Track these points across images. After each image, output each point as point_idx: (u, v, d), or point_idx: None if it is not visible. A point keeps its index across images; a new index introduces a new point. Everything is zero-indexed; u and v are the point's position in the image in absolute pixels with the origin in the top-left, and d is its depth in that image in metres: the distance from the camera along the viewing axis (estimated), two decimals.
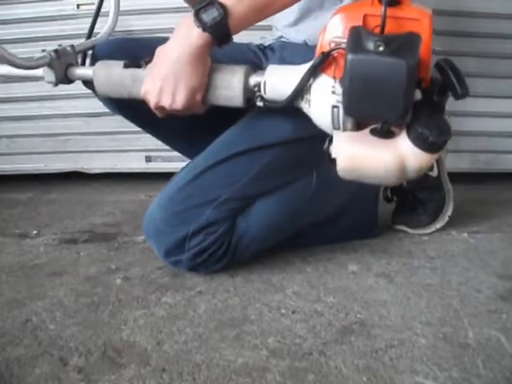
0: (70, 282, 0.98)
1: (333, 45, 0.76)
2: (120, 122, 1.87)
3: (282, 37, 1.14)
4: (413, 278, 0.99)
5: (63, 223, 1.38)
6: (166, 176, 1.89)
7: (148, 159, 1.89)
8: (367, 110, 0.71)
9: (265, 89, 0.85)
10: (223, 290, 0.94)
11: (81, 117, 1.88)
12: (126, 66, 0.91)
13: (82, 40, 1.80)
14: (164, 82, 0.83)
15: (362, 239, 1.16)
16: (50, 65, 0.94)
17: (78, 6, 1.78)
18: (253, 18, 0.83)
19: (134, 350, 0.74)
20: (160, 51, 0.85)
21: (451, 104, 1.84)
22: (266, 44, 1.16)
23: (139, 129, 1.86)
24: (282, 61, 1.00)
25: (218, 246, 0.93)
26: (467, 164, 1.83)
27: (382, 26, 0.66)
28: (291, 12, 1.02)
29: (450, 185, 1.30)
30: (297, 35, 1.07)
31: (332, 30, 0.77)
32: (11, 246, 1.21)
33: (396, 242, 1.20)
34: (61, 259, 1.11)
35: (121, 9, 1.78)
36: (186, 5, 1.78)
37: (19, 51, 1.85)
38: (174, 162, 1.89)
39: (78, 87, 1.85)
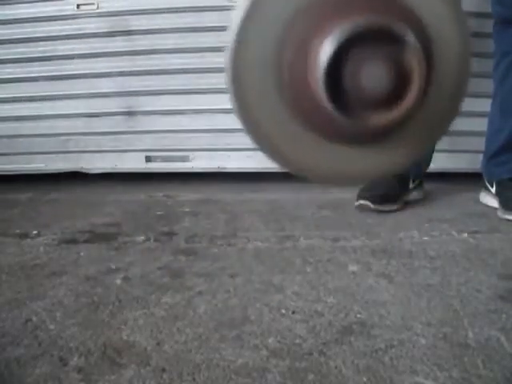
0: (70, 282, 0.98)
1: None
2: (120, 122, 1.87)
3: None
4: (413, 278, 0.99)
5: (63, 223, 1.38)
6: (166, 176, 1.90)
7: (148, 159, 1.90)
8: None
9: None
10: (223, 290, 0.94)
11: (81, 117, 1.88)
12: None
13: (82, 40, 1.80)
14: None
15: None
16: None
17: (78, 6, 1.78)
18: None
19: (133, 350, 0.74)
20: None
21: None
22: None
23: (139, 129, 1.87)
24: None
25: None
26: (467, 164, 1.83)
27: None
28: None
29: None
30: None
31: None
32: (11, 245, 1.21)
33: (396, 242, 1.20)
34: (61, 259, 1.11)
35: (121, 9, 1.79)
36: (185, 5, 1.79)
37: (19, 51, 1.87)
38: (173, 161, 1.89)
39: (78, 87, 1.86)
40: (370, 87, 0.25)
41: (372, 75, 0.25)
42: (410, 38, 0.25)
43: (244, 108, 0.30)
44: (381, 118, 0.26)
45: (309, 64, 0.26)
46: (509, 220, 1.35)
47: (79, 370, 0.69)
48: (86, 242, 1.23)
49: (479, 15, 1.66)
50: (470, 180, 1.73)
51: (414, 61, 0.25)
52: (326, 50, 0.24)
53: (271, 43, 0.27)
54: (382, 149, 0.30)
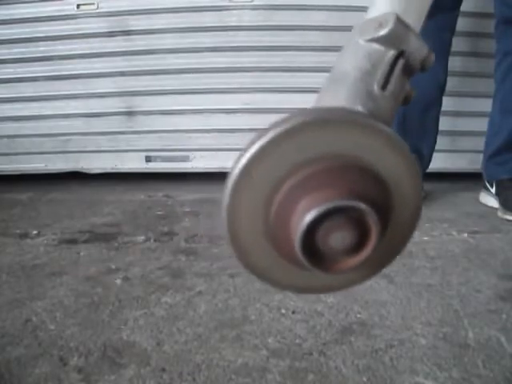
0: (70, 282, 0.98)
1: None
2: (120, 122, 1.87)
3: None
4: (413, 278, 0.99)
5: (63, 223, 1.38)
6: (165, 176, 1.90)
7: (148, 159, 1.90)
8: None
9: None
10: (223, 290, 0.94)
11: (81, 117, 1.89)
12: None
13: (82, 40, 1.80)
14: None
15: None
16: None
17: (78, 6, 1.78)
18: None
19: (134, 350, 0.74)
20: None
21: (452, 104, 1.86)
22: None
23: (139, 129, 1.87)
24: None
25: None
26: (467, 164, 1.83)
27: None
28: None
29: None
30: None
31: None
32: (11, 245, 1.21)
33: None
34: (61, 259, 1.11)
35: (120, 9, 1.79)
36: (185, 5, 1.79)
37: (19, 51, 1.87)
38: (173, 161, 1.89)
39: (78, 87, 1.86)
40: (336, 246, 0.34)
41: (337, 237, 0.34)
42: (366, 208, 0.33)
43: (238, 246, 0.39)
44: (345, 266, 0.36)
45: (290, 226, 0.35)
46: (509, 220, 1.35)
47: (79, 370, 0.69)
48: (85, 242, 1.23)
49: (479, 15, 1.67)
50: (470, 180, 1.74)
51: (369, 223, 0.34)
52: (302, 221, 0.33)
53: (260, 203, 0.36)
54: (350, 273, 0.39)
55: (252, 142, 0.35)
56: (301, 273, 0.39)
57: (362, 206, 0.33)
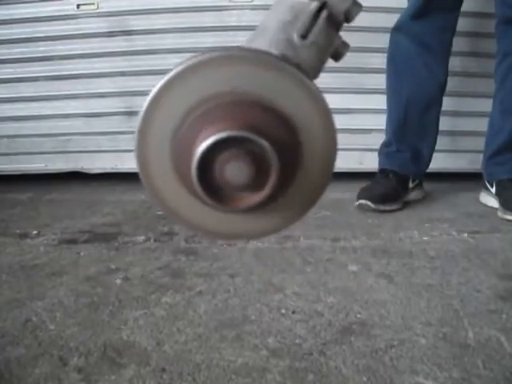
0: (70, 282, 0.98)
1: None
2: (120, 122, 1.87)
3: None
4: (413, 278, 0.99)
5: (63, 223, 1.38)
6: None
7: None
8: None
9: None
10: (223, 290, 0.94)
11: (81, 117, 1.88)
12: None
13: (82, 40, 1.80)
14: None
15: None
16: None
17: (78, 6, 1.78)
18: None
19: (134, 350, 0.74)
20: None
21: (452, 104, 1.86)
22: None
23: None
24: None
25: None
26: (467, 164, 1.83)
27: None
28: None
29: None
30: None
31: None
32: (11, 245, 1.21)
33: (396, 242, 1.20)
34: (61, 259, 1.11)
35: (121, 9, 1.79)
36: (185, 5, 1.79)
37: (19, 51, 1.87)
38: None
39: (78, 87, 1.86)
40: (233, 179, 0.33)
41: (234, 170, 0.33)
42: (263, 142, 0.32)
43: (147, 177, 0.38)
44: (243, 203, 0.34)
45: (191, 157, 0.33)
46: (509, 220, 1.35)
47: (79, 370, 0.69)
48: (86, 242, 1.23)
49: (479, 15, 1.67)
50: (470, 180, 1.74)
51: (268, 160, 0.32)
52: (197, 150, 0.32)
53: (167, 134, 0.36)
54: (259, 217, 0.38)
55: (163, 76, 0.36)
56: (212, 214, 0.38)
57: (258, 138, 0.32)
